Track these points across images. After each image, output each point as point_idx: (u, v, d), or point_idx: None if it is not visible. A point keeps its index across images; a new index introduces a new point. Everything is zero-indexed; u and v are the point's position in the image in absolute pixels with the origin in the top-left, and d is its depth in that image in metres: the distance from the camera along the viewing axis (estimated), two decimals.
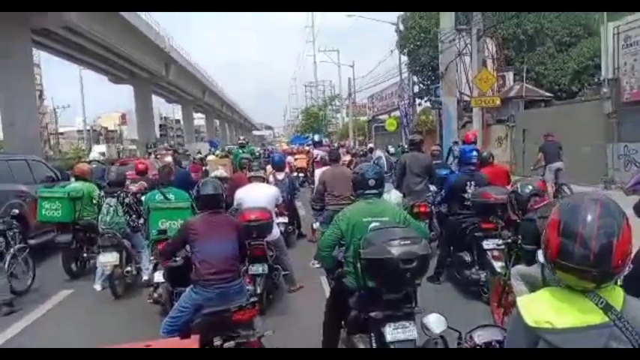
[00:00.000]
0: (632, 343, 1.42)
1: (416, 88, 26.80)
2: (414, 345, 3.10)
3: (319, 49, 51.40)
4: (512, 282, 4.31)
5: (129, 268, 6.52)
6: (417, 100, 27.69)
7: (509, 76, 21.09)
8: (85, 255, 7.44)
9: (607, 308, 1.46)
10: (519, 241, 4.33)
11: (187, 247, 4.02)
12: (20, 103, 23.28)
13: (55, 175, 10.07)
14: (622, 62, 12.80)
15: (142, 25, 33.76)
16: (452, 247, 6.22)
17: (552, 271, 1.55)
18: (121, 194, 6.70)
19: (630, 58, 12.57)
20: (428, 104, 27.65)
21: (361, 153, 15.85)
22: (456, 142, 13.66)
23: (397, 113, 29.18)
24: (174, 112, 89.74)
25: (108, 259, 6.19)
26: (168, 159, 12.09)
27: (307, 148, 22.26)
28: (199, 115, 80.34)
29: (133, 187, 7.65)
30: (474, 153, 6.58)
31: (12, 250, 6.59)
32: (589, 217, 1.46)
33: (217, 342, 3.33)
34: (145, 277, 6.32)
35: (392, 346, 3.07)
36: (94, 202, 7.17)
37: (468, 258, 5.83)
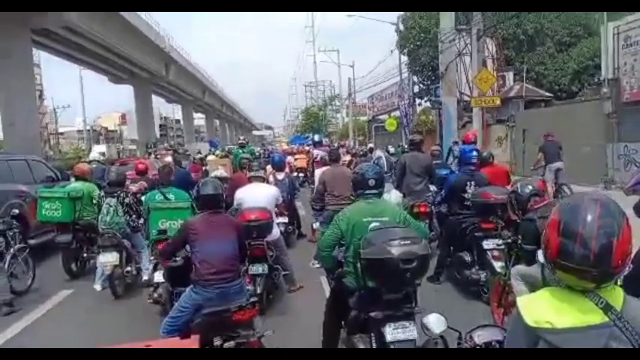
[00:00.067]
0: (632, 343, 1.42)
1: (416, 88, 26.80)
2: (414, 345, 3.10)
3: (319, 49, 51.44)
4: (512, 282, 4.31)
5: (129, 268, 6.52)
6: (417, 100, 27.69)
7: (509, 76, 21.09)
8: (85, 255, 7.44)
9: (607, 308, 1.46)
10: (519, 241, 4.33)
11: (187, 247, 4.02)
12: (20, 103, 23.28)
13: (55, 175, 10.07)
14: (622, 62, 12.81)
15: (142, 25, 33.77)
16: (452, 247, 6.22)
17: (552, 271, 1.55)
18: (121, 194, 6.70)
19: (630, 58, 12.57)
20: (428, 104, 27.66)
21: (361, 153, 15.85)
22: (455, 142, 13.66)
23: (397, 113, 29.19)
24: (175, 112, 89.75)
25: (108, 259, 6.19)
26: (168, 159, 12.09)
27: (307, 148, 22.26)
28: (199, 115, 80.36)
29: (133, 187, 7.65)
30: (474, 153, 6.58)
31: (12, 250, 6.59)
32: (589, 217, 1.46)
33: (217, 342, 3.33)
34: (145, 277, 6.33)
35: (392, 346, 3.07)
36: (94, 202, 7.17)
37: (468, 258, 5.83)
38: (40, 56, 46.19)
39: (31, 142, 22.74)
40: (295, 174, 15.42)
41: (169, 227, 5.67)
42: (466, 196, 6.08)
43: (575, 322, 1.46)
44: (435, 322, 2.88)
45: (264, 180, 7.18)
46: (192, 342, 2.55)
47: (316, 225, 6.86)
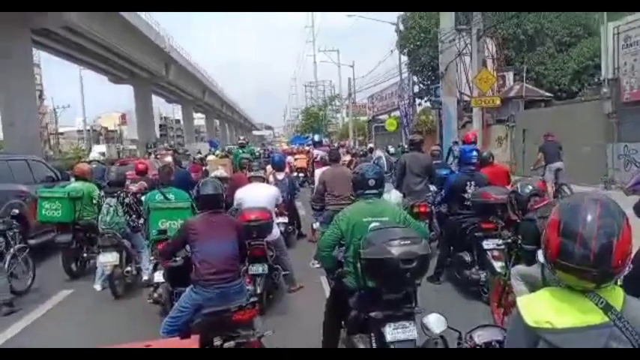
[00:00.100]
0: (632, 343, 1.42)
1: (416, 88, 26.80)
2: (414, 345, 3.10)
3: (319, 49, 51.42)
4: (512, 282, 4.31)
5: (129, 268, 6.52)
6: (417, 100, 27.70)
7: (509, 76, 21.10)
8: (85, 255, 7.44)
9: (607, 308, 1.46)
10: (519, 241, 4.33)
11: (187, 247, 4.02)
12: (20, 103, 23.28)
13: (55, 175, 10.07)
14: (622, 62, 12.81)
15: (142, 25, 33.78)
16: (452, 247, 6.22)
17: (552, 271, 1.55)
18: (121, 194, 6.70)
19: (630, 58, 12.57)
20: (428, 104, 27.66)
21: (361, 153, 15.85)
22: (455, 142, 13.66)
23: (397, 113, 29.19)
24: (174, 112, 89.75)
25: (108, 259, 6.19)
26: (168, 159, 12.09)
27: (307, 148, 22.26)
28: (199, 115, 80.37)
29: (133, 187, 7.65)
30: (474, 153, 6.58)
31: (12, 250, 6.59)
32: (589, 217, 1.46)
33: (217, 342, 3.33)
34: (145, 277, 6.33)
35: (392, 346, 3.07)
36: (94, 202, 7.17)
37: (468, 258, 5.83)
38: (40, 56, 46.21)
39: (31, 142, 22.74)
40: (295, 174, 15.42)
41: (169, 227, 5.67)
42: (466, 196, 6.08)
43: (575, 322, 1.46)
44: (435, 322, 2.88)
45: (264, 180, 7.18)
46: (192, 342, 2.55)
47: (316, 225, 6.86)
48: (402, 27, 25.85)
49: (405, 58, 26.67)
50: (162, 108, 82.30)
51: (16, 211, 7.74)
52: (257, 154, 18.92)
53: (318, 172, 8.65)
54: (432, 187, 7.70)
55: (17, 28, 23.01)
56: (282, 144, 44.93)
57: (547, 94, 20.15)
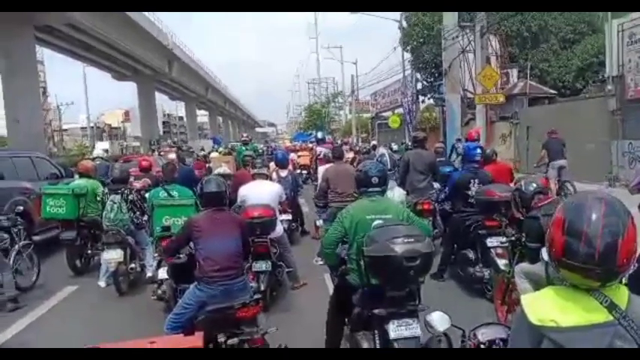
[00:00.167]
0: (637, 341, 1.41)
1: (419, 85, 26.73)
2: (417, 342, 3.10)
3: (322, 46, 51.32)
4: (515, 280, 4.31)
5: (133, 265, 6.54)
6: (421, 97, 27.63)
7: (513, 73, 21.03)
8: (89, 252, 7.47)
9: (611, 307, 1.46)
10: (523, 239, 4.33)
11: (191, 244, 4.03)
12: (24, 100, 23.34)
13: (59, 172, 10.10)
14: (626, 59, 12.76)
15: (145, 22, 33.78)
16: (455, 245, 6.22)
17: (556, 269, 1.55)
18: (125, 191, 6.71)
19: (635, 56, 12.52)
20: (431, 101, 27.58)
21: (364, 150, 15.84)
22: (459, 140, 13.64)
23: (400, 110, 29.12)
24: (178, 109, 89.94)
25: (112, 256, 6.21)
26: (172, 156, 12.11)
27: (310, 145, 22.26)
28: (202, 112, 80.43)
29: (137, 184, 7.68)
30: (478, 150, 6.55)
31: (17, 246, 6.63)
32: (594, 216, 1.46)
33: (221, 339, 3.34)
34: (149, 274, 6.36)
35: (395, 344, 3.07)
36: (98, 199, 7.19)
37: (471, 255, 5.83)
38: (44, 53, 46.36)
39: (35, 138, 22.79)
40: (298, 171, 15.41)
41: (173, 224, 5.68)
42: (470, 193, 6.07)
43: (580, 321, 1.45)
44: (439, 320, 2.89)
45: (268, 177, 7.19)
46: (196, 339, 2.55)
47: (319, 222, 6.82)
48: (405, 24, 25.78)
49: (408, 55, 26.61)
50: (166, 105, 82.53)
51: (21, 208, 7.78)
52: (260, 151, 18.91)
53: (321, 169, 8.67)
54: (436, 185, 7.69)
55: (20, 25, 23.05)
56: (285, 141, 44.95)
57: (551, 91, 20.09)
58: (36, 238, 7.87)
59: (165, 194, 6.17)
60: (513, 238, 4.69)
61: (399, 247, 3.02)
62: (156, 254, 5.95)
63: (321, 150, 13.99)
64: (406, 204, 6.43)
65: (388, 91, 34.01)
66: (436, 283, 6.01)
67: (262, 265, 5.50)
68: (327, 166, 8.24)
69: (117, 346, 2.23)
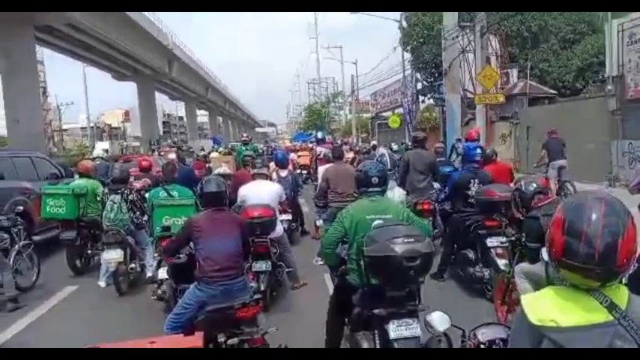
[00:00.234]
0: (637, 341, 1.42)
1: (419, 85, 26.73)
2: (417, 342, 3.10)
3: (322, 46, 51.32)
4: (515, 280, 4.31)
5: (133, 265, 6.54)
6: (421, 97, 27.63)
7: (513, 73, 21.04)
8: (89, 252, 7.47)
9: (611, 307, 1.46)
10: (523, 239, 4.33)
11: (191, 244, 4.03)
12: (24, 100, 23.34)
13: (59, 172, 10.10)
14: (626, 59, 12.77)
15: (145, 22, 33.78)
16: (455, 245, 6.22)
17: (556, 269, 1.55)
18: (125, 191, 6.71)
19: (635, 56, 12.52)
20: (431, 101, 27.59)
21: (364, 150, 15.84)
22: (458, 140, 13.64)
23: (400, 110, 29.13)
24: (178, 109, 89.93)
25: (112, 256, 6.21)
26: (172, 156, 12.11)
27: (310, 145, 22.26)
28: (202, 112, 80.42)
29: (137, 184, 7.68)
30: (478, 150, 6.55)
31: (17, 246, 6.63)
32: (594, 216, 1.46)
33: (221, 339, 3.34)
34: (149, 274, 6.36)
35: (395, 344, 3.07)
36: (98, 199, 7.19)
37: (471, 255, 5.83)
38: (44, 53, 46.35)
39: (35, 138, 22.79)
40: (298, 171, 15.41)
41: (173, 224, 5.68)
42: (470, 193, 6.07)
43: (580, 321, 1.45)
44: (439, 320, 2.89)
45: (268, 177, 7.19)
46: (196, 339, 2.55)
47: (319, 222, 6.83)
48: (405, 24, 25.78)
49: (408, 55, 26.62)
50: (166, 105, 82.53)
51: (21, 207, 7.78)
52: (260, 151, 18.92)
53: (321, 169, 8.67)
54: (436, 185, 7.69)
55: (20, 25, 23.05)
56: (285, 141, 44.94)
57: (551, 91, 20.09)
58: (36, 238, 7.87)
59: (165, 194, 6.17)
60: (513, 238, 4.69)
61: (399, 247, 3.03)
62: (156, 254, 5.95)
63: (321, 150, 13.99)
64: (406, 204, 6.43)
65: (388, 91, 34.02)
66: (436, 283, 6.01)
67: (262, 265, 5.50)
68: (327, 166, 8.24)
69: (117, 346, 2.23)
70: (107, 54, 35.09)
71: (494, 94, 16.34)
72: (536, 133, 15.57)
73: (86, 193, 7.31)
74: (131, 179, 7.74)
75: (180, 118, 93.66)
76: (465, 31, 17.30)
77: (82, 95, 55.84)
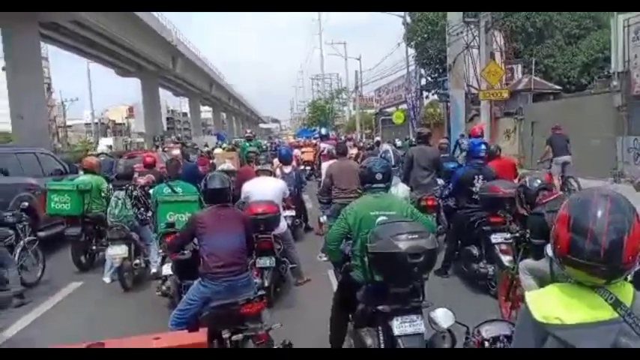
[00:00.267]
0: None
1: (423, 81, 26.67)
2: (421, 339, 3.10)
3: (326, 42, 51.27)
4: (520, 276, 4.30)
5: (137, 261, 6.56)
6: (425, 93, 27.57)
7: (518, 68, 20.95)
8: (94, 247, 7.49)
9: (616, 304, 1.45)
10: (527, 235, 4.32)
11: (195, 240, 4.03)
12: (28, 96, 23.42)
13: (63, 168, 10.13)
14: (632, 55, 12.67)
15: (149, 18, 33.76)
16: (460, 241, 6.21)
17: (561, 266, 1.54)
18: (129, 187, 6.73)
19: None
20: (435, 97, 27.53)
21: (368, 146, 15.80)
22: (462, 136, 13.61)
23: (404, 106, 29.08)
24: (182, 105, 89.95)
25: (117, 252, 6.22)
26: (176, 152, 12.14)
27: (314, 141, 22.22)
28: (206, 108, 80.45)
29: (141, 180, 7.69)
30: (483, 147, 6.53)
31: (22, 242, 6.66)
32: (599, 213, 1.45)
33: (225, 335, 3.35)
34: (154, 270, 6.36)
35: (399, 340, 3.07)
36: (103, 194, 7.22)
37: (475, 252, 5.81)
38: (48, 50, 46.42)
39: (40, 134, 22.87)
40: (302, 167, 15.40)
41: (177, 220, 5.70)
42: (474, 189, 6.05)
43: (585, 318, 1.45)
44: (443, 317, 2.88)
45: (272, 173, 7.19)
46: (201, 335, 2.56)
47: (323, 218, 6.86)
48: (409, 19, 25.69)
49: (412, 51, 26.57)
50: (170, 101, 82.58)
51: (26, 204, 7.82)
52: (264, 147, 18.92)
53: (324, 165, 8.65)
54: (440, 181, 7.68)
55: (26, 22, 23.12)
56: (289, 137, 44.91)
57: (556, 86, 20.00)
58: (41, 234, 7.91)
59: (169, 190, 6.18)
60: (518, 235, 4.68)
61: (403, 244, 3.02)
62: (160, 250, 5.97)
63: (324, 146, 13.94)
64: (410, 200, 6.42)
65: (392, 86, 33.94)
66: (440, 280, 6.00)
67: (266, 261, 5.51)
68: (331, 162, 8.23)
69: (121, 343, 2.23)
70: (111, 50, 35.16)
71: (498, 89, 16.28)
72: (540, 129, 15.50)
73: (91, 189, 7.33)
74: (135, 175, 7.76)
75: (184, 114, 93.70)
76: (470, 26, 17.23)
77: (86, 91, 55.94)
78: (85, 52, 36.94)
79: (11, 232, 6.64)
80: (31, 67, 24.29)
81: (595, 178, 12.24)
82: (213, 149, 18.15)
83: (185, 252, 4.27)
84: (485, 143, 7.00)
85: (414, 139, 12.67)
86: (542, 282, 3.85)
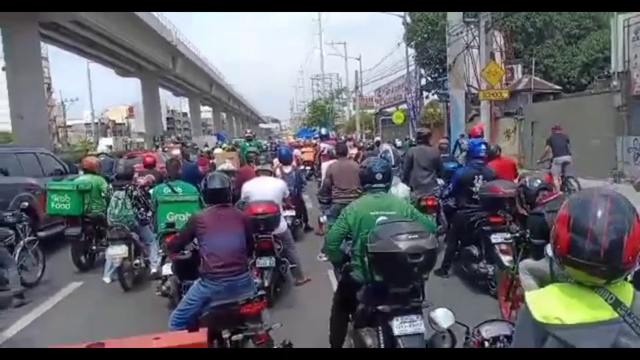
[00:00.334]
0: None
1: (423, 81, 26.67)
2: (421, 339, 3.10)
3: (326, 42, 51.27)
4: (520, 276, 4.30)
5: (137, 261, 6.56)
6: (425, 93, 27.56)
7: (518, 68, 20.94)
8: (94, 247, 7.49)
9: (616, 304, 1.45)
10: (527, 235, 4.32)
11: (195, 240, 4.03)
12: (28, 95, 23.42)
13: (63, 168, 10.13)
14: (632, 55, 12.67)
15: (149, 18, 33.76)
16: (460, 241, 6.21)
17: (561, 266, 1.54)
18: (129, 187, 6.73)
19: None
20: (435, 97, 27.53)
21: (368, 146, 15.80)
22: (462, 136, 13.61)
23: (404, 106, 29.08)
24: (182, 105, 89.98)
25: (117, 252, 6.22)
26: (176, 152, 12.14)
27: (314, 141, 22.21)
28: (206, 108, 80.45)
29: (141, 180, 7.69)
30: (483, 147, 6.53)
31: (22, 242, 6.66)
32: (599, 213, 1.45)
33: (225, 335, 3.35)
34: (154, 270, 6.36)
35: (399, 340, 3.07)
36: (103, 194, 7.22)
37: (475, 252, 5.81)
38: (48, 49, 46.42)
39: (40, 134, 22.87)
40: (302, 167, 15.40)
41: (177, 220, 5.70)
42: (474, 189, 6.05)
43: (585, 318, 1.45)
44: (443, 317, 2.88)
45: (272, 173, 7.19)
46: (201, 335, 2.56)
47: (323, 218, 6.86)
48: (409, 19, 25.69)
49: (412, 51, 26.56)
50: (169, 101, 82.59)
51: (26, 204, 7.83)
52: (264, 147, 18.92)
53: (324, 165, 8.65)
54: (440, 181, 7.68)
55: (26, 22, 23.12)
56: (289, 137, 44.90)
57: (556, 86, 20.00)
58: (41, 234, 7.91)
59: (169, 190, 6.18)
60: (518, 235, 4.68)
61: (403, 244, 3.02)
62: (160, 250, 5.97)
63: (324, 146, 13.95)
64: (410, 200, 6.43)
65: (392, 86, 33.95)
66: (440, 280, 6.01)
67: (266, 261, 5.51)
68: (331, 162, 8.22)
69: (121, 343, 2.23)
70: (111, 50, 35.17)
71: (498, 89, 16.28)
72: (540, 128, 15.50)
73: (91, 189, 7.33)
74: (135, 175, 7.75)
75: (184, 114, 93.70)
76: (470, 26, 17.23)
77: (86, 91, 55.95)
78: (85, 52, 36.94)
79: (11, 232, 6.64)
80: (31, 67, 24.29)
81: (595, 178, 12.25)
82: (213, 149, 18.15)
83: (185, 252, 4.27)
84: (485, 143, 7.00)
85: (414, 139, 12.67)
86: (542, 282, 3.85)
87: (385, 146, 13.02)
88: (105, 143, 40.40)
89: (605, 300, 1.46)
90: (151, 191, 6.78)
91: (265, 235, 5.57)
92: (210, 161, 13.61)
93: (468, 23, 16.99)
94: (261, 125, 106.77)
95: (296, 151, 15.64)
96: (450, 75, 17.31)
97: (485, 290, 5.65)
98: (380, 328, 3.23)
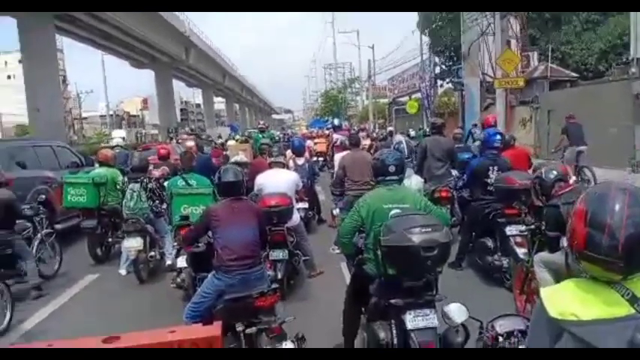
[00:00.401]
0: None
1: (437, 69, 26.43)
2: (434, 333, 3.09)
3: (339, 30, 50.85)
4: (535, 269, 4.26)
5: (152, 253, 6.63)
6: (439, 82, 27.31)
7: (534, 56, 20.62)
8: (109, 240, 7.58)
9: (633, 300, 1.43)
10: (543, 228, 4.27)
11: (209, 233, 4.05)
12: (44, 88, 23.66)
13: (79, 160, 10.24)
14: None
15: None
16: (474, 233, 6.16)
17: (577, 261, 1.52)
18: (144, 180, 6.78)
19: None
20: (450, 86, 27.28)
21: (381, 137, 15.72)
22: (475, 125, 13.47)
23: (418, 95, 28.87)
24: (195, 96, 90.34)
25: (132, 244, 6.29)
26: (190, 143, 12.17)
27: (327, 132, 22.18)
28: (219, 99, 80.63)
29: (156, 172, 7.74)
30: (498, 137, 6.40)
31: (39, 235, 6.77)
32: (617, 207, 1.42)
33: (239, 328, 3.36)
34: (169, 262, 6.41)
35: (412, 334, 3.06)
36: (118, 187, 7.29)
37: (490, 244, 5.77)
38: (63, 42, 46.80)
39: (56, 127, 23.12)
40: (315, 158, 15.38)
41: (191, 213, 5.73)
42: (489, 181, 5.98)
43: (601, 314, 1.43)
44: (456, 312, 2.87)
45: (285, 166, 7.19)
46: (215, 328, 2.57)
47: (336, 211, 6.83)
48: None
49: (426, 39, 26.28)
50: (183, 92, 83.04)
51: (43, 196, 7.91)
52: (277, 138, 18.93)
53: (337, 156, 8.63)
54: (454, 172, 7.60)
55: (41, 15, 23.27)
56: (302, 127, 44.86)
57: (573, 74, 19.66)
58: (58, 226, 8.01)
59: (184, 183, 6.21)
60: (533, 227, 4.62)
61: (417, 237, 3.00)
62: (175, 242, 6.02)
63: (337, 137, 13.92)
64: (423, 192, 6.38)
65: (406, 75, 33.71)
66: (454, 272, 5.97)
67: (279, 254, 5.52)
68: (344, 153, 8.20)
69: (137, 336, 2.25)
70: (125, 42, 35.33)
71: (514, 77, 16.06)
72: (557, 117, 15.26)
73: (106, 181, 7.40)
74: (150, 167, 7.81)
75: (198, 105, 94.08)
76: (485, 13, 16.98)
77: (101, 83, 56.21)
78: (100, 44, 37.20)
79: (29, 224, 6.76)
80: (47, 59, 24.51)
81: (612, 168, 12.06)
82: (226, 141, 18.20)
83: (199, 245, 4.30)
84: (500, 133, 6.90)
85: (427, 130, 12.59)
86: (557, 275, 3.82)
87: (398, 137, 12.92)
88: (118, 135, 40.59)
89: (622, 296, 1.44)
90: (165, 184, 6.83)
91: (278, 227, 5.59)
92: (224, 153, 13.66)
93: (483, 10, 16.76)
94: (274, 116, 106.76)
95: (309, 142, 15.62)
96: (464, 63, 17.13)
97: (500, 283, 5.61)
98: (393, 321, 3.22)
